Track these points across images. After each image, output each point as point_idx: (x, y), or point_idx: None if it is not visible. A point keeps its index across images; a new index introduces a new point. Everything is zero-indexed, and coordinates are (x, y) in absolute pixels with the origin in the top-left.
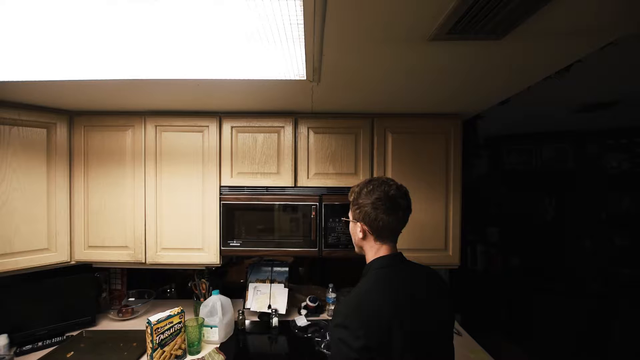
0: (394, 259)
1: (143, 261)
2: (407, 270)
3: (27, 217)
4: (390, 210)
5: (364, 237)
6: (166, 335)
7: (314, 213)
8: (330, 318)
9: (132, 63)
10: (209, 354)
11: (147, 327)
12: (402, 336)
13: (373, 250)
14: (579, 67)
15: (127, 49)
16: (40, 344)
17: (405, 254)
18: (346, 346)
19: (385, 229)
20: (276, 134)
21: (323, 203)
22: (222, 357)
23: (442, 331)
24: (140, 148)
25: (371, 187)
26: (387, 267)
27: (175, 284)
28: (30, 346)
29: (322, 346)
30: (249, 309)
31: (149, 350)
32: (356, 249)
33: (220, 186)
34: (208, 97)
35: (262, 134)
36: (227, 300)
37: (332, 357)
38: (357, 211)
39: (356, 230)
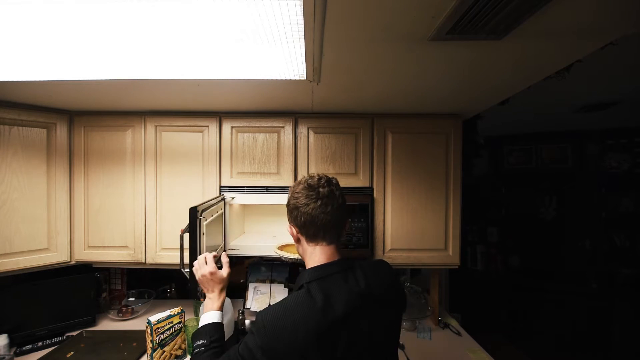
0: (329, 269)
1: (143, 261)
2: (345, 282)
3: (27, 217)
4: (308, 200)
5: (298, 241)
6: (166, 335)
7: None
8: None
9: (132, 63)
10: None
11: (147, 327)
12: (321, 356)
13: (307, 255)
14: (579, 67)
15: (127, 49)
16: (40, 344)
17: (405, 254)
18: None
19: (309, 223)
20: (276, 134)
21: None
22: None
23: (378, 346)
24: (140, 148)
25: (295, 183)
26: (317, 281)
27: (175, 284)
28: (30, 346)
29: None
30: (249, 309)
31: (149, 350)
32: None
33: (220, 186)
34: (208, 97)
35: (262, 134)
36: (227, 300)
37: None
38: (287, 213)
39: (291, 235)
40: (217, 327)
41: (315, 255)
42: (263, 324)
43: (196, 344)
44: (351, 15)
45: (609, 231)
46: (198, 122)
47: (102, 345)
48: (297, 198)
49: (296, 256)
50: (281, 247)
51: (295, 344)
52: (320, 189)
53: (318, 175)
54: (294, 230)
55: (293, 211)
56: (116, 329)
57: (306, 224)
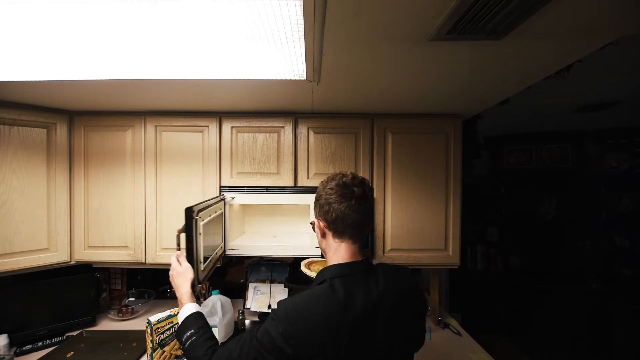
0: (352, 267)
1: (143, 261)
2: (366, 282)
3: (27, 217)
4: (342, 198)
5: (324, 235)
6: (166, 335)
7: None
8: None
9: (132, 63)
10: None
11: (147, 327)
12: (337, 356)
13: (332, 250)
14: (579, 67)
15: (127, 49)
16: (40, 344)
17: (405, 254)
18: (268, 339)
19: (339, 220)
20: (276, 134)
21: None
22: None
23: (393, 348)
24: (140, 148)
25: (327, 179)
26: (341, 277)
27: None
28: (30, 346)
29: None
30: (249, 309)
31: (149, 350)
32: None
33: (220, 186)
34: (208, 97)
35: (262, 134)
36: (227, 300)
37: (246, 339)
38: (316, 207)
39: (317, 228)
40: (199, 315)
41: (340, 252)
42: (286, 311)
43: (185, 336)
44: (351, 16)
45: (609, 231)
46: (198, 122)
47: (102, 345)
48: (330, 194)
49: None
50: (308, 265)
51: (315, 334)
52: (355, 189)
53: (351, 173)
54: (321, 224)
55: (324, 206)
56: (116, 329)
57: (337, 221)
